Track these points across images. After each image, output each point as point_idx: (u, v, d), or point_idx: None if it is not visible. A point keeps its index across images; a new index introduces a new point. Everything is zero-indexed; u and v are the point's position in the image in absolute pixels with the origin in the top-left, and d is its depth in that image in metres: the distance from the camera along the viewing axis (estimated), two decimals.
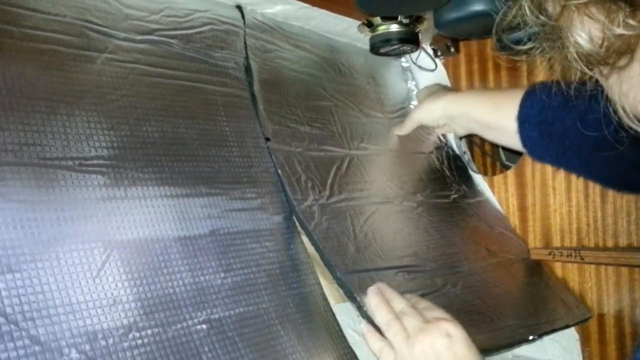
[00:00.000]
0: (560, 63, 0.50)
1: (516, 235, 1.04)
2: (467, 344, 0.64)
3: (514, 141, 0.84)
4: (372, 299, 0.70)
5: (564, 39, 0.46)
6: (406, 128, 1.01)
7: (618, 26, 0.41)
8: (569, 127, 0.74)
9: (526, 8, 0.48)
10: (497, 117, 0.86)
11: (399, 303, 0.69)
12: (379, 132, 1.00)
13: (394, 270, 0.80)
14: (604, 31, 0.42)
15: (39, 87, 0.57)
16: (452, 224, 0.97)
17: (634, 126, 0.48)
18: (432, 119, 0.98)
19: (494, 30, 0.57)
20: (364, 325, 0.69)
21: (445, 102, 0.95)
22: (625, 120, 0.48)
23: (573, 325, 0.95)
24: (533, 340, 0.86)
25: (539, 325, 0.88)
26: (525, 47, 0.53)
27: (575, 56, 0.47)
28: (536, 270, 1.00)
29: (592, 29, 0.43)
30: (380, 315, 0.68)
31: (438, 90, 1.03)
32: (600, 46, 0.43)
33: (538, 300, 0.94)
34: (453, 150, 1.12)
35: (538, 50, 0.51)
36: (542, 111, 0.78)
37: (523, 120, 0.81)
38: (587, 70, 0.47)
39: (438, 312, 0.68)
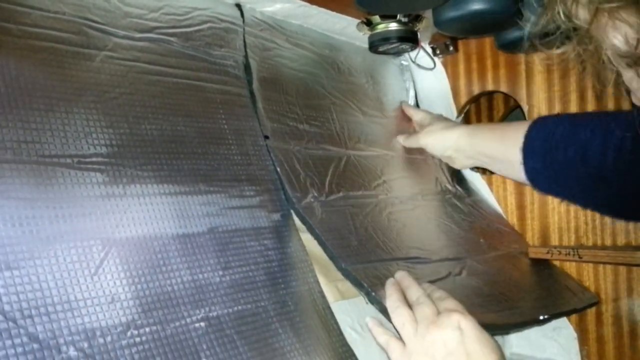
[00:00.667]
0: (593, 66, 0.52)
1: (515, 232, 1.05)
2: (478, 338, 0.62)
3: (518, 173, 0.84)
4: (388, 288, 0.69)
5: (600, 41, 0.48)
6: (409, 144, 1.02)
7: None
8: (572, 158, 0.75)
9: (561, 13, 0.49)
10: (504, 148, 0.86)
11: (416, 292, 0.68)
12: (377, 130, 1.01)
13: (397, 261, 0.79)
14: (639, 33, 0.44)
15: (37, 84, 0.57)
16: (451, 220, 0.97)
17: None
18: (441, 149, 0.98)
19: (526, 34, 0.59)
20: (368, 320, 0.69)
21: (458, 135, 0.95)
22: None
23: (581, 309, 0.94)
24: (543, 321, 0.85)
25: (547, 308, 0.87)
26: (559, 51, 0.54)
27: (612, 57, 0.48)
28: (538, 261, 1.00)
29: (627, 30, 0.44)
30: (390, 301, 0.67)
31: (443, 120, 1.03)
32: (636, 47, 0.45)
33: (543, 287, 0.94)
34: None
35: (573, 54, 0.53)
36: (546, 142, 0.79)
37: (528, 151, 0.81)
38: (624, 71, 0.49)
39: (451, 303, 0.66)
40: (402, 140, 1.02)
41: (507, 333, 0.82)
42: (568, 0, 0.48)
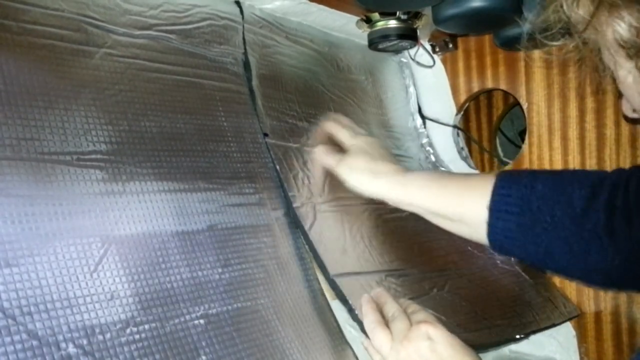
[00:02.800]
0: (591, 62, 0.52)
1: None
2: (450, 343, 0.64)
3: (474, 233, 0.72)
4: (364, 306, 0.71)
5: (601, 34, 0.47)
6: (325, 163, 0.82)
7: None
8: (559, 217, 0.66)
9: (563, 5, 0.49)
10: (459, 205, 0.73)
11: (391, 308, 0.70)
12: (375, 130, 1.01)
13: (383, 273, 0.80)
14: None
15: (36, 81, 0.57)
16: (440, 229, 0.97)
17: None
18: (364, 193, 0.78)
19: (525, 28, 0.57)
20: (363, 341, 0.71)
21: (388, 186, 0.77)
22: None
23: (560, 323, 0.95)
24: (520, 339, 0.88)
25: (525, 325, 0.89)
26: (558, 43, 0.54)
27: (612, 49, 0.48)
28: (523, 270, 1.01)
29: (631, 19, 0.45)
30: (367, 322, 0.69)
31: (372, 152, 0.80)
32: (638, 35, 0.45)
33: (524, 301, 0.94)
34: (437, 157, 1.12)
35: (572, 49, 0.53)
36: (524, 200, 0.68)
37: (497, 209, 0.69)
38: (623, 64, 0.48)
39: (421, 315, 0.68)
40: (318, 154, 0.83)
41: (485, 351, 0.82)
42: None
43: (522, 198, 0.68)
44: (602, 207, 0.63)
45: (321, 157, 0.82)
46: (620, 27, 0.46)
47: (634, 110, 0.56)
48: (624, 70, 0.50)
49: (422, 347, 0.64)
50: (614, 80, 0.54)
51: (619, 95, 0.56)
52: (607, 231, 0.62)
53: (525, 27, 0.58)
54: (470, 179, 0.78)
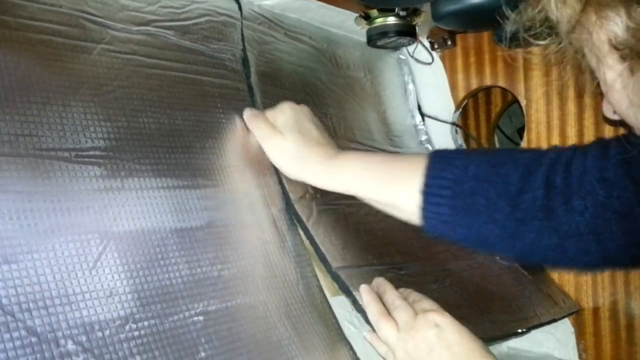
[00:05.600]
0: (574, 64, 0.50)
1: None
2: (457, 330, 0.65)
3: (409, 216, 0.70)
4: (364, 296, 0.71)
5: (593, 31, 0.46)
6: (252, 126, 0.76)
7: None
8: (494, 199, 0.64)
9: (551, 3, 0.47)
10: (391, 191, 0.70)
11: (392, 297, 0.70)
12: (374, 125, 1.00)
13: (385, 267, 0.80)
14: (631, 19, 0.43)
15: (34, 77, 0.57)
16: None
17: None
18: (293, 179, 0.76)
19: (510, 26, 0.56)
20: (366, 334, 0.71)
21: (318, 175, 0.73)
22: None
23: (560, 318, 0.95)
24: (522, 333, 0.88)
25: (526, 320, 0.89)
26: (545, 42, 0.53)
27: (607, 47, 0.47)
28: (520, 267, 1.01)
29: (627, 20, 0.44)
30: (370, 314, 0.69)
31: (300, 128, 0.75)
32: (634, 36, 0.44)
33: (525, 296, 0.95)
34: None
35: (560, 45, 0.51)
36: (457, 183, 0.66)
37: (430, 193, 0.67)
38: (617, 64, 0.47)
39: (427, 304, 0.68)
40: (245, 115, 0.76)
41: (488, 345, 0.82)
42: None
43: (455, 180, 0.66)
44: (538, 185, 0.62)
45: (250, 120, 0.75)
46: (616, 27, 0.45)
47: (614, 112, 0.54)
48: (613, 73, 0.48)
49: (429, 335, 0.64)
50: (597, 82, 0.52)
51: (600, 96, 0.55)
52: (544, 210, 0.61)
53: (510, 26, 0.57)
54: (402, 161, 0.75)
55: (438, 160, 0.69)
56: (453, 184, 0.66)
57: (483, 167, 0.66)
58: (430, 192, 0.67)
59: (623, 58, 0.46)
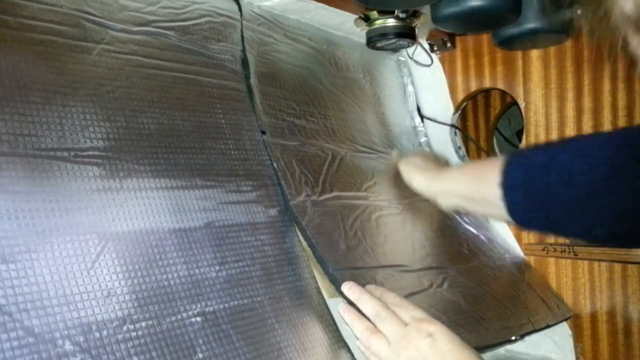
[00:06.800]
0: (602, 32, 0.51)
1: (499, 238, 1.05)
2: (450, 338, 0.64)
3: (499, 211, 0.76)
4: (345, 316, 0.70)
5: (610, 3, 0.47)
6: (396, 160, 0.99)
7: None
8: (553, 183, 0.70)
9: None
10: (480, 187, 0.79)
11: (373, 306, 0.69)
12: (372, 128, 1.00)
13: (382, 268, 0.80)
14: None
15: (34, 77, 0.57)
16: (436, 226, 0.97)
17: None
18: (418, 192, 0.91)
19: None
20: (359, 344, 0.70)
21: (425, 181, 0.89)
22: None
23: (553, 325, 0.95)
24: (515, 340, 0.88)
25: (520, 327, 0.89)
26: (568, 18, 0.53)
27: (620, 23, 0.47)
28: (518, 271, 1.01)
29: None
30: (358, 332, 0.69)
31: (426, 160, 0.96)
32: None
33: (520, 301, 0.94)
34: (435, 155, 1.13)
35: (582, 18, 0.52)
36: (524, 173, 0.74)
37: (506, 185, 0.74)
38: (632, 37, 0.48)
39: (416, 312, 0.68)
40: (393, 154, 1.02)
41: (482, 352, 0.83)
42: None
43: (525, 172, 0.73)
44: (596, 167, 0.67)
45: (394, 157, 1.01)
46: (627, 2, 0.46)
47: None
48: (634, 43, 0.50)
49: (422, 345, 0.64)
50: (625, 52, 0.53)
51: (632, 65, 0.55)
52: (603, 189, 0.65)
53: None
54: (486, 162, 0.87)
55: (513, 155, 0.77)
56: (523, 173, 0.74)
57: (544, 155, 0.72)
58: (506, 185, 0.74)
59: (636, 32, 0.47)
